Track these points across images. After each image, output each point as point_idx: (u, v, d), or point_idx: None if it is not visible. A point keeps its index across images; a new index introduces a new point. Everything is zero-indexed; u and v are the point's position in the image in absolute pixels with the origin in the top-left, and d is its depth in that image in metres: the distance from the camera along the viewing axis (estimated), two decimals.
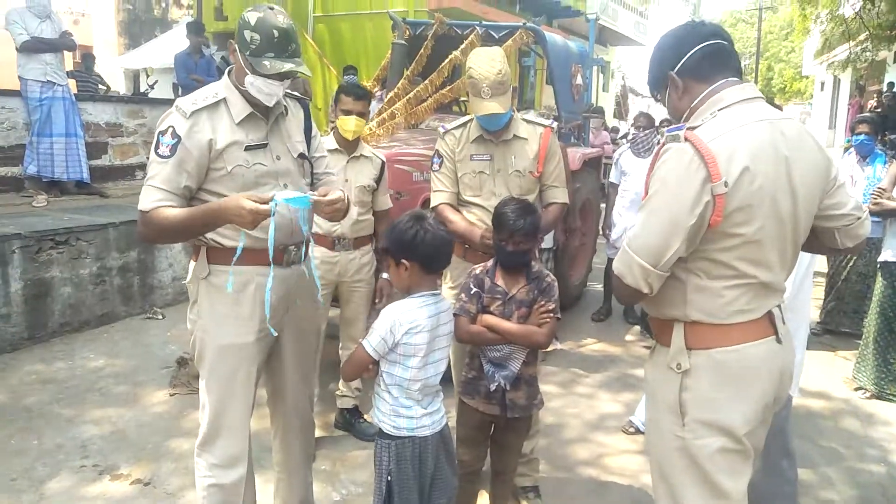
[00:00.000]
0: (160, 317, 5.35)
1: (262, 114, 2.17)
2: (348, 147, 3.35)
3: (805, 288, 2.66)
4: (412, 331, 2.01)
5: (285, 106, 2.27)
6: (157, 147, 2.04)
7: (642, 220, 1.60)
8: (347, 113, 3.26)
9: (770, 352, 1.66)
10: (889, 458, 3.54)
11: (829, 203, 1.71)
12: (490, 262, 2.52)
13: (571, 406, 4.04)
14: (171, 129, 2.03)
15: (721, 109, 1.61)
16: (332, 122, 3.50)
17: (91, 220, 5.20)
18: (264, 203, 1.92)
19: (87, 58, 10.07)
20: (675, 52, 1.70)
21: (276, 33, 2.02)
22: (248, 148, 2.12)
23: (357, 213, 3.34)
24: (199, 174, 2.08)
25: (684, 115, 1.72)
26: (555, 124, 2.96)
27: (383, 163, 3.49)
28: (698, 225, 1.53)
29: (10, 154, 6.20)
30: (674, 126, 1.62)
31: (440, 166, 2.92)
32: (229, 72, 2.18)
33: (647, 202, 1.60)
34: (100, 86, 9.67)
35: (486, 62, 2.65)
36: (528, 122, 2.90)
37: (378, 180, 3.44)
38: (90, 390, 3.99)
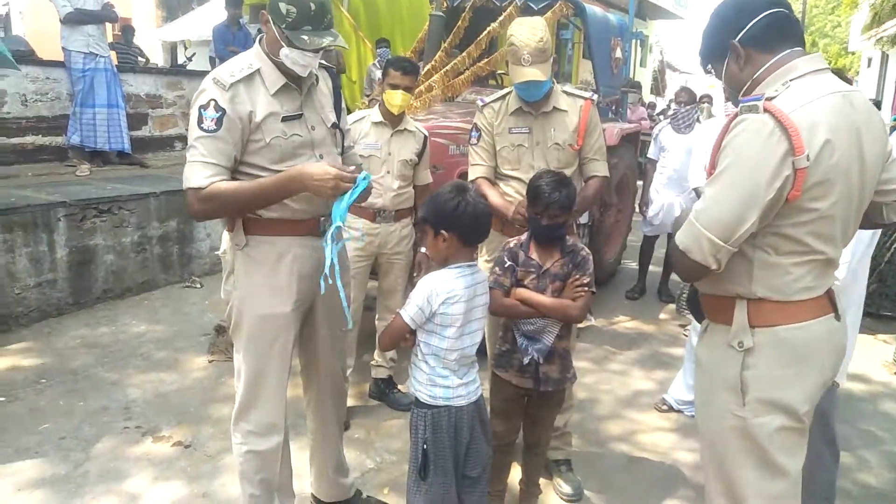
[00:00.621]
0: (198, 285, 5.46)
1: (296, 84, 2.16)
2: (393, 121, 3.36)
3: (863, 268, 2.60)
4: (449, 300, 2.02)
5: (316, 75, 2.25)
6: (199, 122, 2.00)
7: (713, 194, 1.53)
8: (395, 87, 3.26)
9: (831, 329, 1.64)
10: None
11: (884, 178, 1.67)
12: (524, 236, 2.51)
13: (604, 382, 4.04)
14: (213, 103, 2.01)
15: (793, 80, 1.56)
16: (368, 94, 3.51)
17: (133, 190, 5.31)
18: (343, 172, 1.97)
19: (127, 30, 10.16)
20: (738, 19, 1.63)
21: (312, 6, 2.00)
22: (284, 119, 2.11)
23: (398, 186, 3.37)
24: (242, 146, 2.08)
25: (745, 87, 1.65)
26: (595, 97, 2.95)
27: (426, 137, 3.49)
28: (775, 199, 1.49)
29: (55, 124, 6.33)
30: (750, 97, 1.54)
31: (478, 140, 2.91)
32: (260, 41, 2.15)
33: (718, 175, 1.53)
34: (139, 58, 9.76)
35: (527, 30, 2.62)
36: (569, 94, 2.86)
37: (420, 154, 3.44)
38: (133, 355, 4.11)
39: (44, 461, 2.96)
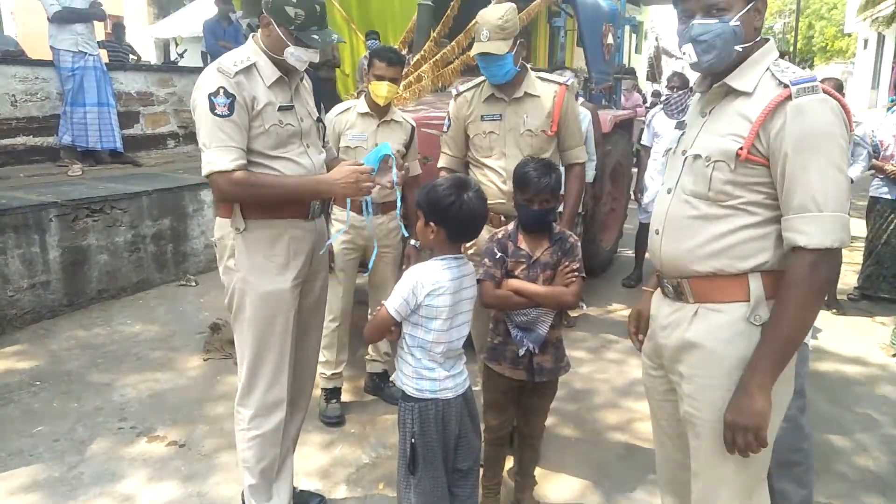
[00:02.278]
0: (193, 284, 5.45)
1: (287, 78, 2.29)
2: (379, 111, 3.34)
3: None
4: (434, 292, 2.00)
5: (302, 73, 2.39)
6: (212, 109, 2.10)
7: (827, 178, 1.49)
8: (380, 78, 3.24)
9: None
10: None
11: None
12: (511, 226, 2.49)
13: (601, 372, 4.03)
14: (221, 90, 2.11)
15: (777, 60, 1.60)
16: (360, 87, 3.49)
17: (125, 189, 5.29)
18: (359, 166, 2.22)
19: (118, 28, 10.09)
20: None
21: (317, 7, 2.19)
22: (280, 108, 2.24)
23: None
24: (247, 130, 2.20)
25: (748, 45, 1.59)
26: (571, 81, 2.88)
27: (413, 128, 3.47)
28: None
29: (45, 124, 6.30)
30: (804, 78, 1.52)
31: (447, 129, 2.94)
32: (254, 38, 2.28)
33: (820, 163, 1.48)
34: (130, 55, 9.72)
35: (491, 10, 2.64)
36: (543, 79, 2.83)
37: (408, 145, 3.42)
38: (127, 355, 4.10)
39: (38, 464, 2.95)
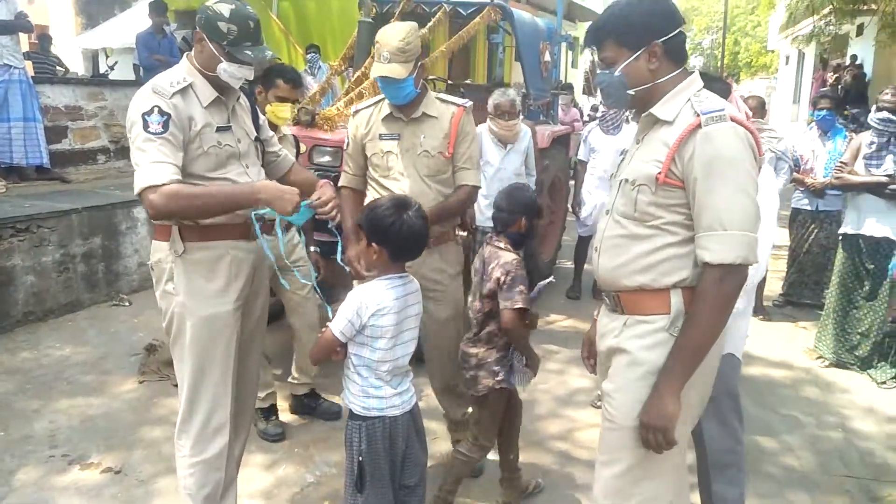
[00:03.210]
0: (127, 303, 5.28)
1: (224, 98, 2.27)
2: (274, 131, 3.35)
3: None
4: (379, 313, 2.02)
5: (239, 94, 2.37)
6: (145, 126, 2.05)
7: (727, 199, 1.61)
8: (283, 100, 3.25)
9: None
10: (847, 424, 3.67)
11: None
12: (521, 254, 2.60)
13: (542, 382, 4.09)
14: (156, 108, 2.07)
15: (699, 91, 1.73)
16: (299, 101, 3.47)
17: (53, 206, 5.09)
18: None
19: (44, 38, 9.75)
20: (666, 24, 1.73)
21: (251, 23, 2.16)
22: (218, 129, 2.22)
23: None
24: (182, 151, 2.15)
25: (643, 87, 1.75)
26: (469, 104, 2.81)
27: (297, 139, 3.60)
28: None
29: None
30: (712, 108, 1.66)
31: (347, 146, 2.87)
32: (188, 56, 2.25)
33: (716, 182, 1.61)
34: (58, 67, 9.39)
35: (393, 30, 2.57)
36: (443, 101, 2.78)
37: (296, 157, 3.49)
38: (57, 380, 3.94)
39: None
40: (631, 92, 1.76)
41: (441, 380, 2.96)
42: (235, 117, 2.32)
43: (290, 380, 3.63)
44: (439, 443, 3.29)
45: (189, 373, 2.28)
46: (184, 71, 2.21)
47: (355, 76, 5.04)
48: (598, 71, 1.83)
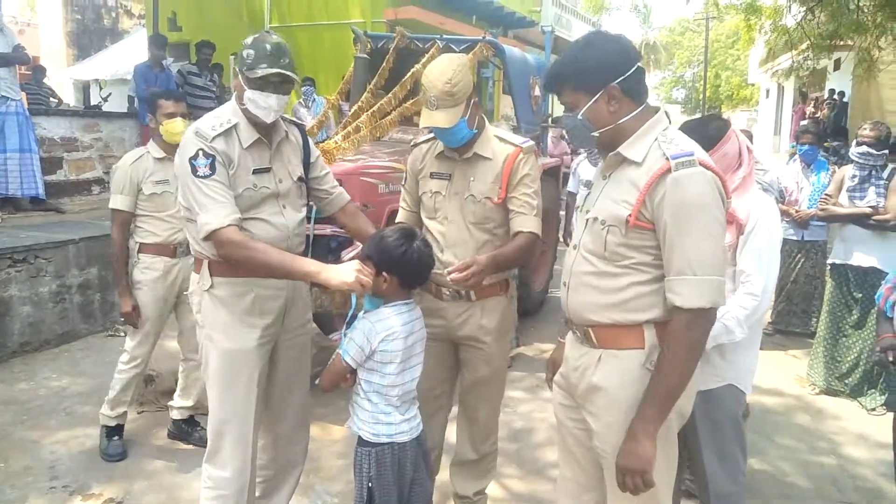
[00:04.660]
0: (122, 334, 5.27)
1: (266, 139, 2.30)
2: (174, 154, 3.39)
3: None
4: (388, 338, 2.08)
5: (286, 131, 2.38)
6: (194, 172, 2.12)
7: (695, 244, 1.65)
8: (172, 115, 3.29)
9: None
10: (839, 450, 3.73)
11: None
12: None
13: (539, 410, 4.14)
14: (200, 151, 2.14)
15: (665, 130, 1.76)
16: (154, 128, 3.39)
17: (49, 237, 5.12)
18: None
19: (38, 70, 9.83)
20: (619, 64, 1.73)
21: (268, 47, 2.17)
22: (255, 171, 2.25)
23: None
24: None
25: (607, 129, 1.76)
26: (528, 143, 2.48)
27: None
28: None
29: None
30: (681, 153, 1.68)
31: (405, 181, 2.67)
32: (236, 97, 2.27)
33: (685, 227, 1.64)
34: (51, 98, 9.46)
35: (435, 71, 2.30)
36: (501, 139, 2.46)
37: None
38: (55, 410, 3.93)
39: None
40: (595, 133, 1.78)
41: (471, 445, 2.68)
42: (280, 156, 2.33)
43: (169, 403, 3.63)
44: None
45: (214, 408, 2.33)
46: (229, 112, 2.25)
47: (352, 110, 5.15)
48: (563, 114, 1.85)
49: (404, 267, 2.10)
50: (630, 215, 1.70)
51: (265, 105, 2.19)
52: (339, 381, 2.14)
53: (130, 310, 3.34)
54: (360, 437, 2.15)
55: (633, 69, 1.74)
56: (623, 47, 1.76)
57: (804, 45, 13.31)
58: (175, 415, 3.60)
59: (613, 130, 1.77)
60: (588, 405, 1.88)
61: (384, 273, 2.10)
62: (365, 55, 5.48)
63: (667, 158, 1.67)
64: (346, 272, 2.03)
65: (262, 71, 2.14)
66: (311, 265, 2.14)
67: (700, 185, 1.65)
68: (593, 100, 1.74)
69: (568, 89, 1.79)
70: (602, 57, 1.74)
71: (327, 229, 3.74)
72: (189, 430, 3.59)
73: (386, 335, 2.08)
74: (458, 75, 2.27)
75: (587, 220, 1.84)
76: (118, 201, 3.33)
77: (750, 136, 4.94)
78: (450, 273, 2.21)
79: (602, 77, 1.73)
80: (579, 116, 1.77)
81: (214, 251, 2.19)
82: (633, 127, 1.76)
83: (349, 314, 2.17)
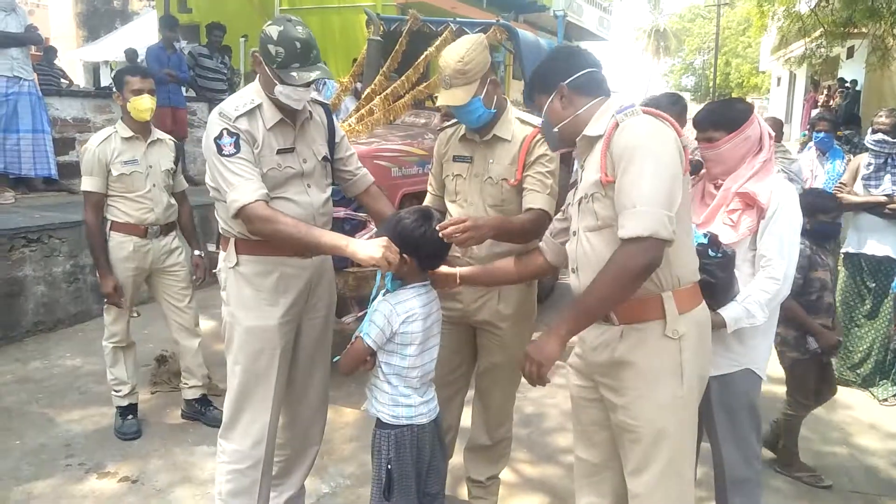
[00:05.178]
0: (135, 314, 5.26)
1: (290, 119, 2.29)
2: (143, 132, 3.37)
3: None
4: (409, 320, 2.09)
5: (310, 111, 2.37)
6: (220, 151, 2.14)
7: (638, 179, 1.70)
8: (139, 92, 3.26)
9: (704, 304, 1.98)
10: (850, 440, 3.73)
11: None
12: None
13: (550, 396, 4.14)
14: (224, 131, 2.15)
15: (623, 109, 1.84)
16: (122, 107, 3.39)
17: (63, 218, 5.14)
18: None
19: (49, 51, 9.83)
20: (568, 67, 1.94)
21: (298, 45, 2.13)
22: (279, 151, 2.25)
23: (167, 199, 3.48)
24: None
25: (565, 122, 1.94)
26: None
27: (176, 144, 3.62)
28: (682, 173, 1.77)
29: None
30: (624, 107, 1.83)
31: (433, 165, 2.69)
32: (263, 85, 2.25)
33: (633, 167, 1.71)
34: (62, 80, 9.46)
35: (451, 50, 2.31)
36: (522, 121, 2.43)
37: (177, 161, 3.55)
38: (69, 389, 3.97)
39: None
40: (555, 130, 1.96)
41: (485, 431, 2.70)
42: (304, 136, 2.33)
43: (180, 385, 3.67)
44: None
45: (234, 383, 2.35)
46: (253, 92, 2.26)
47: (365, 93, 5.13)
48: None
49: (423, 248, 2.10)
50: (601, 175, 1.79)
51: (297, 98, 2.21)
52: (359, 363, 2.14)
53: (112, 290, 3.34)
54: (378, 419, 2.16)
55: (584, 71, 1.93)
56: (575, 55, 1.99)
57: (818, 33, 13.18)
58: (188, 394, 3.63)
59: (570, 124, 1.93)
60: (612, 381, 1.92)
61: (404, 255, 2.10)
62: (378, 38, 5.46)
63: (614, 117, 1.81)
64: (373, 247, 2.04)
65: (296, 73, 2.13)
66: (339, 238, 2.16)
67: (640, 128, 1.76)
68: (549, 99, 1.95)
69: (536, 95, 2.01)
70: (554, 64, 1.99)
71: (341, 212, 3.74)
72: (202, 409, 3.62)
73: (406, 316, 2.08)
74: (470, 53, 2.27)
75: (578, 203, 1.93)
76: (88, 183, 3.31)
77: (780, 125, 4.94)
78: (442, 229, 2.13)
79: (553, 79, 1.94)
80: (543, 115, 1.99)
81: (244, 228, 2.21)
82: (590, 114, 1.91)
83: (373, 293, 2.19)
